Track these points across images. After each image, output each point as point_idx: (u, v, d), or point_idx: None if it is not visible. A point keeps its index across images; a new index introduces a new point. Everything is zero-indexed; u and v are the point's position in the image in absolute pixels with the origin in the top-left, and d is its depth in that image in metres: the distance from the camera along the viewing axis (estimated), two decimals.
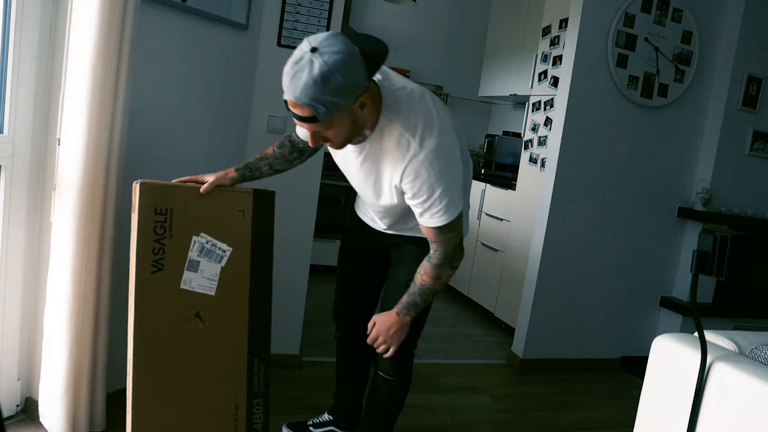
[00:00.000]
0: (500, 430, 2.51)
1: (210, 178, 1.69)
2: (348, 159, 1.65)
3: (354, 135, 1.48)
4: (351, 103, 1.36)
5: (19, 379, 1.99)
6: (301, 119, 1.36)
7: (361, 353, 2.04)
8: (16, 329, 1.95)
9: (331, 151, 1.65)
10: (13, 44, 1.79)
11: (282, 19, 2.54)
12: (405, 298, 1.66)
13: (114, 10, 1.73)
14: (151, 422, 1.62)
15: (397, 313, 1.67)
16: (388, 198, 1.61)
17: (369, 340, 1.71)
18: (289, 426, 2.17)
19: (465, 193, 1.73)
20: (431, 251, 1.60)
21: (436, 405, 2.64)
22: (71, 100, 1.77)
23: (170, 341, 1.65)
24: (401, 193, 1.56)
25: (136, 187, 1.62)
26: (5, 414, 1.94)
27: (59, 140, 1.84)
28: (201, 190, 1.67)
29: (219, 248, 1.69)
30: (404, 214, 1.71)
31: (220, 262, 1.69)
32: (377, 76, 1.52)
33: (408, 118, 1.49)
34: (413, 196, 1.51)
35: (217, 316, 1.70)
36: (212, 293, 1.68)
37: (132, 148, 1.97)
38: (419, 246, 1.70)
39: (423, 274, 1.62)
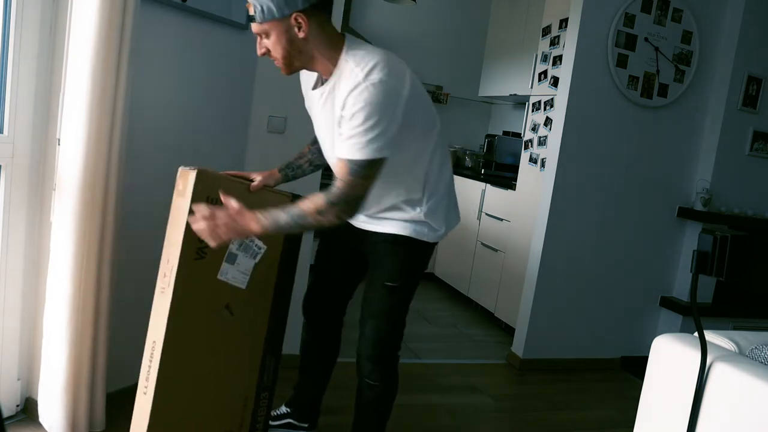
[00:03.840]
0: (500, 430, 2.51)
1: (258, 177, 1.79)
2: (313, 106, 1.69)
3: (294, 57, 1.54)
4: (285, 14, 1.47)
5: (19, 379, 1.99)
6: (249, 17, 1.52)
7: (326, 349, 2.07)
8: (17, 329, 1.95)
9: (305, 96, 1.73)
10: (13, 44, 1.79)
11: None
12: (277, 209, 1.54)
13: (114, 10, 1.73)
14: (170, 402, 1.67)
15: (258, 216, 1.53)
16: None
17: (200, 211, 1.54)
18: None
19: (449, 193, 1.78)
20: (332, 187, 1.52)
21: (436, 405, 2.64)
22: (71, 100, 1.77)
23: (199, 327, 1.71)
24: None
25: (188, 174, 1.65)
26: (5, 414, 1.94)
27: (59, 140, 1.84)
28: (251, 188, 1.77)
29: (256, 245, 1.79)
30: (379, 206, 1.71)
31: (254, 258, 1.78)
32: (354, 43, 1.58)
33: (364, 57, 1.52)
34: (345, 121, 1.49)
35: (244, 310, 1.78)
36: (243, 287, 1.77)
37: (132, 148, 1.97)
38: (393, 244, 1.72)
39: (311, 201, 1.53)
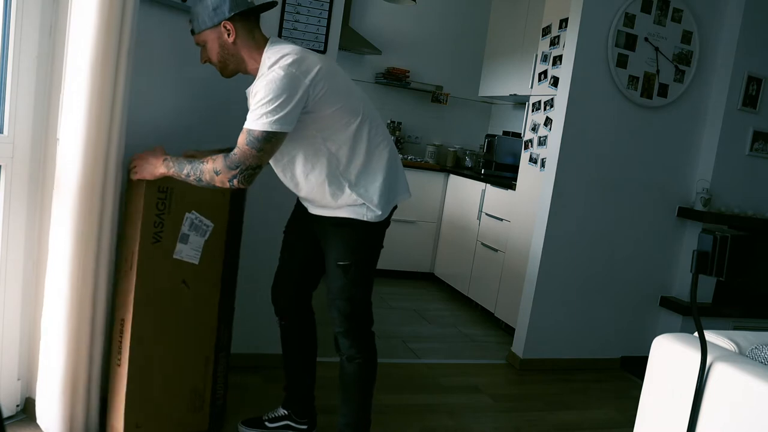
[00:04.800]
0: (500, 430, 2.51)
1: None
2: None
3: (228, 61, 1.80)
4: (215, 23, 1.74)
5: (19, 379, 1.99)
6: (191, 32, 1.81)
7: (303, 340, 2.12)
8: (17, 329, 1.95)
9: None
10: (13, 44, 1.79)
11: (282, 19, 2.54)
12: (186, 160, 1.76)
13: (113, 10, 1.73)
14: (142, 369, 1.89)
15: (165, 158, 1.78)
16: None
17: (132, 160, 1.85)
18: (244, 423, 2.17)
19: (396, 179, 1.92)
20: (232, 152, 1.69)
21: (436, 405, 2.63)
22: (71, 99, 1.77)
23: (161, 302, 1.90)
24: None
25: None
26: (5, 414, 1.94)
27: (59, 140, 1.83)
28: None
29: (204, 224, 1.95)
30: (309, 185, 1.84)
31: (204, 235, 1.96)
32: (276, 42, 1.80)
33: (278, 51, 1.73)
34: (251, 100, 1.71)
35: (198, 282, 1.97)
36: (196, 262, 1.95)
37: (131, 148, 1.97)
38: (337, 226, 1.85)
39: (212, 160, 1.71)
